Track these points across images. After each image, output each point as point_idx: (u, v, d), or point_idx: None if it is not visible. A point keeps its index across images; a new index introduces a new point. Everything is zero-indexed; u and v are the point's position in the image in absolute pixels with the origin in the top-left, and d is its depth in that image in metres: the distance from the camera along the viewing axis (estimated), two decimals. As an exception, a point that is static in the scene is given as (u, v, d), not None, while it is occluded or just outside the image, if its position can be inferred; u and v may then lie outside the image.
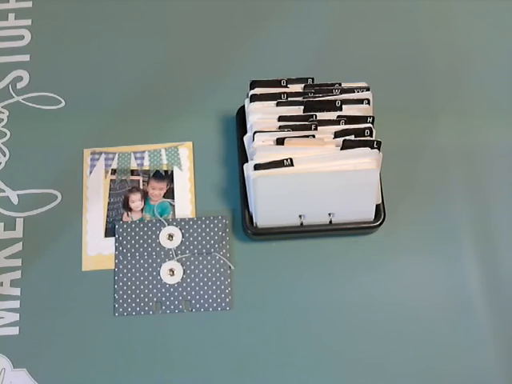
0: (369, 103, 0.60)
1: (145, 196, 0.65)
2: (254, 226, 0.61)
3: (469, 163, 0.65)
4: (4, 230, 0.64)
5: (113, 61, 0.71)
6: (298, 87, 0.60)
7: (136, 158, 0.66)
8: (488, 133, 0.67)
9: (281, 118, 0.59)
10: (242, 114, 0.63)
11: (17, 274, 0.62)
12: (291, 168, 0.56)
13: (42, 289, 0.62)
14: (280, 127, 0.58)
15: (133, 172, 0.66)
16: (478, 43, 0.71)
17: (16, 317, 0.61)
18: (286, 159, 0.56)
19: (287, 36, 0.71)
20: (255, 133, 0.58)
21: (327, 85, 0.60)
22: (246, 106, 0.61)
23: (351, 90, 0.60)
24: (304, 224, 0.60)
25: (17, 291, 0.62)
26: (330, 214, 0.60)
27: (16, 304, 0.61)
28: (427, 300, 0.60)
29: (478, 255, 0.61)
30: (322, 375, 0.58)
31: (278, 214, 0.59)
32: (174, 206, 0.64)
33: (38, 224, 0.64)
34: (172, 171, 0.65)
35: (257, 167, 0.57)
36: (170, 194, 0.65)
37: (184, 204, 0.64)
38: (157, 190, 0.65)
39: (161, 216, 0.64)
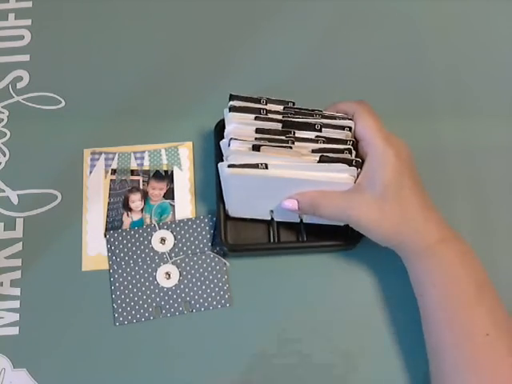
0: (350, 130, 0.57)
1: (145, 196, 0.65)
2: (227, 243, 0.60)
3: (469, 164, 0.65)
4: (4, 230, 0.64)
5: (113, 61, 0.70)
6: (277, 107, 0.57)
7: (136, 158, 0.66)
8: (488, 133, 0.66)
9: (258, 131, 0.56)
10: (220, 127, 0.61)
11: (17, 274, 0.62)
12: (265, 170, 0.54)
13: (42, 289, 0.62)
14: (256, 139, 0.56)
15: (133, 172, 0.66)
16: (478, 43, 0.70)
17: (16, 317, 0.61)
18: (261, 163, 0.54)
19: (288, 37, 0.71)
20: (231, 139, 0.55)
21: (308, 109, 0.57)
22: (224, 115, 0.58)
23: (333, 117, 0.57)
24: (275, 220, 0.61)
25: (17, 291, 0.62)
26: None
27: (16, 304, 0.61)
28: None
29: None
30: (323, 374, 0.59)
31: (250, 208, 0.60)
32: (173, 206, 0.64)
33: (38, 224, 0.64)
34: (172, 171, 0.65)
35: (231, 167, 0.55)
36: (170, 194, 0.65)
37: (184, 204, 0.64)
38: (157, 190, 0.65)
39: (161, 216, 0.64)
